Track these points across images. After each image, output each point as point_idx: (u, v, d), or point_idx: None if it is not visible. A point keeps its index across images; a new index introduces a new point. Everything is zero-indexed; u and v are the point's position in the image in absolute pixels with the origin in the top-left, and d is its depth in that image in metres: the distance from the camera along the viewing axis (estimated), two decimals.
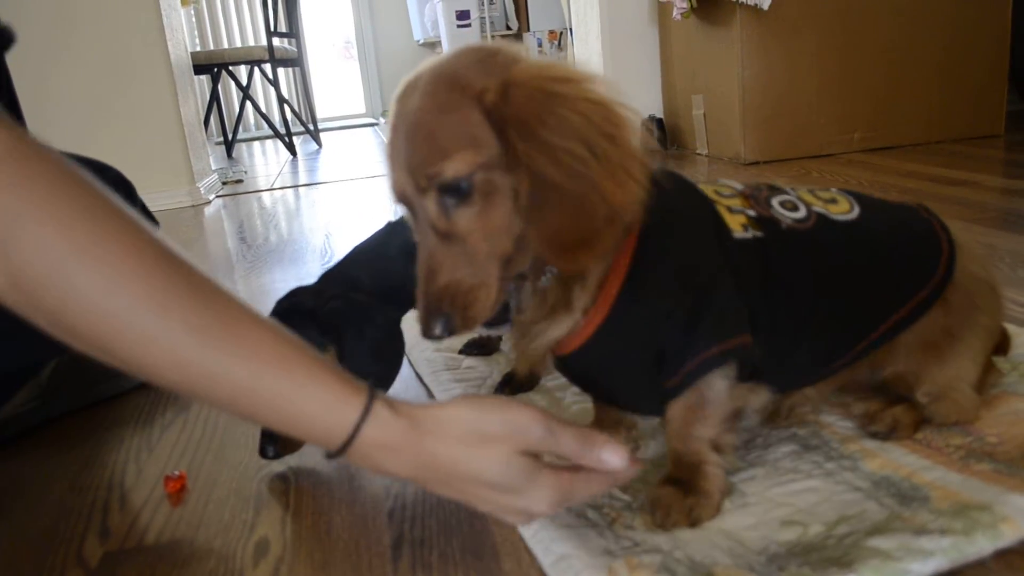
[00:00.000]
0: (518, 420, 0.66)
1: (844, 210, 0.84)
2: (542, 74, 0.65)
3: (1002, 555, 0.67)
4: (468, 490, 0.67)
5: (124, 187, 1.15)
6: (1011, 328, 1.03)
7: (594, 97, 0.65)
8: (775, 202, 0.82)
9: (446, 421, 0.65)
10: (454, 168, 0.64)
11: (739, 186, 0.84)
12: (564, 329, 0.75)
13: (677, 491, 0.76)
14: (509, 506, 0.67)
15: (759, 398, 0.79)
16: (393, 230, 1.04)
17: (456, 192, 0.65)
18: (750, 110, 2.76)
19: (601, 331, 0.74)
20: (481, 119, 0.65)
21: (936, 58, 2.82)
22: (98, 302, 0.57)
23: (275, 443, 0.93)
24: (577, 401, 1.03)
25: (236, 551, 0.81)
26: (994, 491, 0.73)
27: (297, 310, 0.95)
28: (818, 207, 0.83)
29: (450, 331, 0.67)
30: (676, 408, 0.76)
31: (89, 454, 1.06)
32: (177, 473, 0.95)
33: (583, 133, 0.63)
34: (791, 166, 2.71)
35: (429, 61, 0.70)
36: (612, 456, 0.68)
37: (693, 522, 0.74)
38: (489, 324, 1.01)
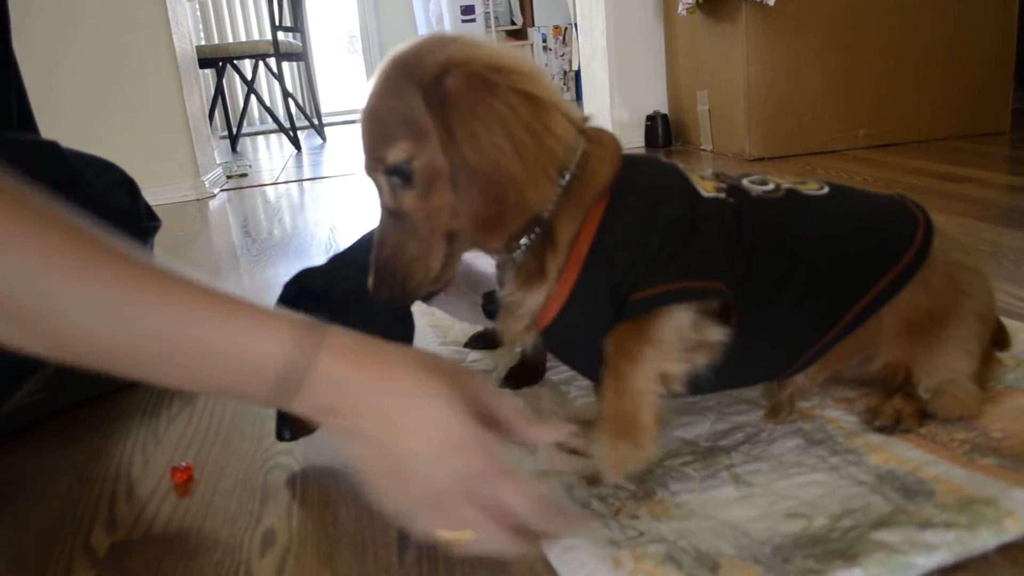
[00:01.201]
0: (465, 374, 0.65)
1: (814, 188, 0.87)
2: (480, 60, 0.69)
3: (1006, 549, 0.67)
4: (409, 443, 0.60)
5: (128, 186, 1.16)
6: (1015, 325, 1.04)
7: (525, 90, 0.69)
8: (745, 181, 0.85)
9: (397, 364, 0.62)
10: (394, 155, 0.71)
11: (710, 171, 0.86)
12: (541, 297, 0.77)
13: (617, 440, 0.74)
14: (444, 471, 0.60)
15: (718, 334, 0.75)
16: None
17: (400, 175, 0.71)
18: (755, 106, 2.75)
19: (575, 292, 0.76)
20: (421, 103, 0.69)
21: (941, 55, 2.81)
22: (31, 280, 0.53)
23: (290, 426, 0.93)
24: (582, 395, 1.03)
25: (243, 542, 0.81)
26: (999, 486, 0.73)
27: (307, 292, 0.96)
28: (787, 184, 0.86)
29: (393, 299, 0.75)
30: (627, 326, 0.74)
31: (96, 445, 1.06)
32: (184, 464, 0.95)
33: (507, 125, 0.67)
34: (795, 162, 2.71)
35: (398, 46, 0.74)
36: (546, 430, 0.70)
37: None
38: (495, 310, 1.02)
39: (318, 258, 2.02)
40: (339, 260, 1.02)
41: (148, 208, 1.21)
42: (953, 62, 2.82)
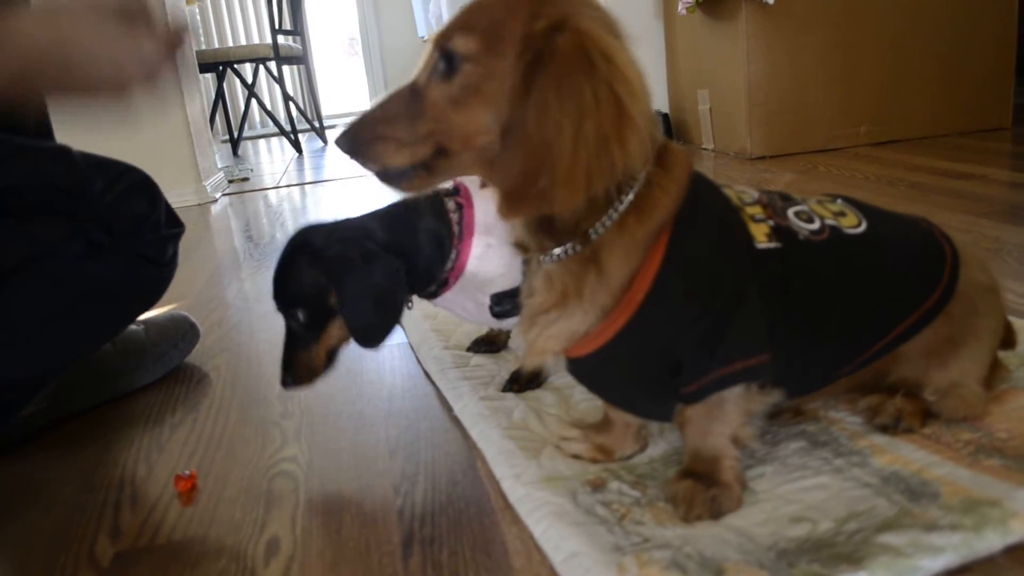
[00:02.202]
0: None
1: (853, 223, 0.84)
2: (597, 39, 0.64)
3: (1012, 551, 0.67)
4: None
5: (148, 189, 1.14)
6: (1018, 323, 1.03)
7: (619, 92, 0.63)
8: (791, 213, 0.82)
9: None
10: (459, 44, 0.66)
11: (756, 193, 0.84)
12: (576, 324, 0.74)
13: (697, 484, 0.76)
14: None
15: (773, 399, 0.79)
16: (419, 211, 1.03)
17: (446, 62, 0.67)
18: (756, 105, 2.75)
19: (622, 334, 0.73)
20: (519, 36, 0.65)
21: (942, 51, 2.80)
22: None
23: (292, 373, 0.95)
24: (586, 399, 1.03)
25: (247, 550, 0.81)
26: (1004, 487, 0.73)
27: (306, 247, 0.97)
28: (830, 220, 0.83)
29: (349, 151, 0.70)
30: (694, 408, 0.76)
31: (100, 454, 1.06)
32: (188, 472, 0.95)
33: (582, 114, 0.62)
34: (797, 160, 2.70)
35: None
36: None
37: (715, 513, 0.75)
38: (504, 311, 1.01)
39: None
40: (344, 223, 1.02)
41: (170, 213, 1.20)
42: (954, 58, 2.81)
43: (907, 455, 0.82)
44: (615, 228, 0.71)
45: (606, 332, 0.74)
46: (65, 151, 1.02)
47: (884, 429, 0.86)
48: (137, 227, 1.10)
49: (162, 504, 0.92)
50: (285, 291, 0.98)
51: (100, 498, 0.95)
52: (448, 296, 1.04)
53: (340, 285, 0.94)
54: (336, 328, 0.98)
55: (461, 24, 0.67)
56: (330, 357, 1.01)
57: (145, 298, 1.15)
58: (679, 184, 0.73)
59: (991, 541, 0.67)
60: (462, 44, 0.66)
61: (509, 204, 0.67)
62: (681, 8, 2.90)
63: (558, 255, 0.73)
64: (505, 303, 1.01)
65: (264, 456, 1.00)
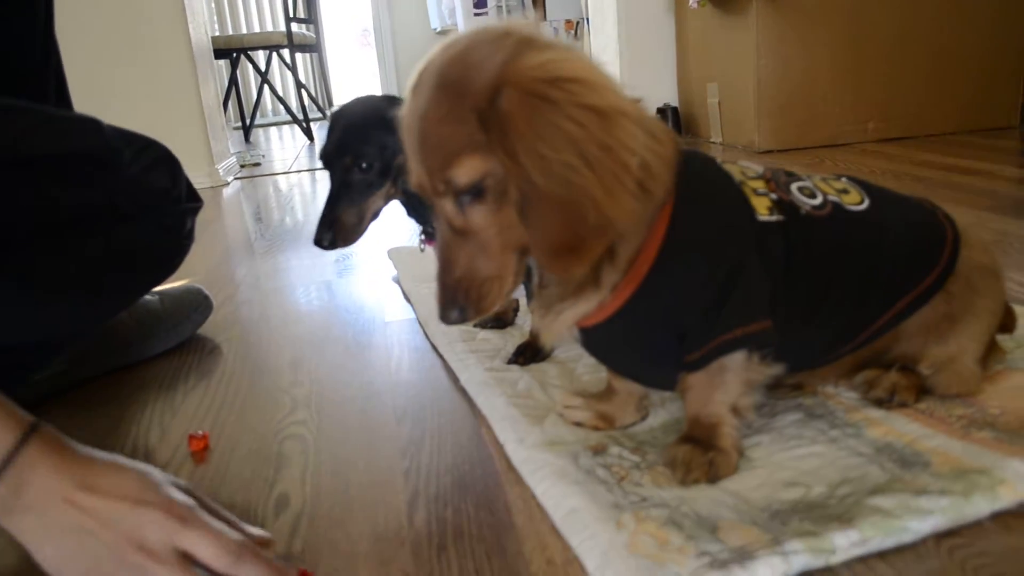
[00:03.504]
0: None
1: (856, 200, 0.86)
2: (534, 75, 0.63)
3: (999, 517, 0.69)
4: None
5: (169, 163, 1.17)
6: (1018, 309, 1.05)
7: (590, 103, 0.64)
8: (794, 188, 0.84)
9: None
10: (465, 176, 0.66)
11: (760, 168, 0.86)
12: (592, 305, 0.76)
13: (695, 448, 0.78)
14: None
15: (773, 371, 0.80)
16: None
17: (469, 193, 0.67)
18: (765, 99, 2.77)
19: (627, 306, 0.75)
20: (479, 128, 0.65)
21: (952, 49, 2.81)
22: None
23: (332, 231, 1.02)
24: (589, 371, 1.05)
25: (258, 505, 0.84)
26: (994, 457, 0.75)
27: (377, 110, 1.05)
28: (833, 196, 0.85)
29: (464, 320, 0.71)
30: (696, 376, 0.79)
31: (114, 416, 1.09)
32: (201, 432, 0.98)
33: (576, 143, 0.63)
34: (805, 155, 2.72)
35: (438, 50, 0.70)
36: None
37: (713, 477, 0.77)
38: None
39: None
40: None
41: (190, 188, 1.22)
42: (963, 56, 2.83)
43: (900, 428, 0.84)
44: None
45: (614, 303, 0.76)
46: (96, 123, 1.04)
47: (879, 403, 0.88)
48: (160, 199, 1.12)
49: (175, 462, 0.95)
50: (358, 139, 1.02)
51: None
52: None
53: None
54: (388, 189, 1.05)
55: (444, 160, 0.66)
56: (371, 220, 1.07)
57: (163, 269, 1.18)
58: (672, 156, 0.74)
59: (979, 507, 0.69)
60: (467, 173, 0.66)
61: (571, 257, 0.67)
62: (692, 2, 2.92)
63: None
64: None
65: (274, 420, 1.03)
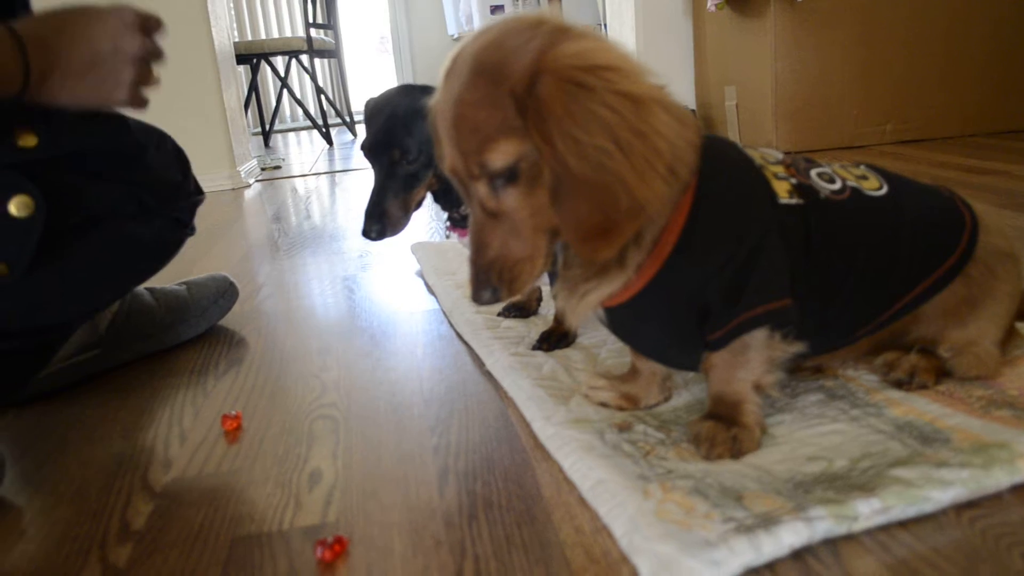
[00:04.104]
0: None
1: (874, 186, 0.88)
2: (571, 63, 0.66)
3: (1018, 489, 0.71)
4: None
5: (180, 157, 1.20)
6: None
7: (625, 90, 0.66)
8: (813, 173, 0.86)
9: None
10: (501, 158, 0.69)
11: (780, 154, 0.88)
12: (616, 286, 0.78)
13: (719, 424, 0.80)
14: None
15: (795, 349, 0.82)
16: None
17: (503, 176, 0.70)
18: (783, 101, 2.78)
19: (651, 285, 0.77)
20: (515, 112, 0.67)
21: (968, 52, 2.82)
22: None
23: (379, 222, 1.06)
24: (612, 356, 1.07)
25: (292, 479, 0.86)
26: (1013, 432, 0.77)
27: (421, 102, 1.06)
28: (852, 182, 0.87)
29: (496, 300, 0.74)
30: (719, 355, 0.80)
31: (147, 399, 1.12)
32: (234, 413, 1.01)
33: (610, 128, 0.65)
34: (823, 157, 2.70)
35: (472, 37, 0.73)
36: None
37: (736, 452, 0.79)
38: None
39: (346, 243, 2.08)
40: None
41: (195, 181, 1.26)
42: (979, 59, 2.83)
43: (921, 407, 0.85)
44: None
45: (639, 283, 0.78)
46: (122, 119, 1.08)
47: (899, 384, 0.90)
48: (174, 192, 1.16)
49: (209, 441, 0.97)
50: (401, 131, 1.06)
51: (150, 435, 1.00)
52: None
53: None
54: (428, 182, 1.09)
55: (480, 144, 0.69)
56: (415, 209, 1.11)
57: (166, 258, 1.22)
58: (696, 139, 0.75)
59: (999, 479, 0.70)
60: (503, 156, 0.68)
61: (603, 240, 0.69)
62: (710, 5, 2.94)
63: None
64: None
65: (305, 403, 1.06)
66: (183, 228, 1.21)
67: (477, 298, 0.74)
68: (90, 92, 0.95)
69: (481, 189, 0.71)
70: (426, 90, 1.08)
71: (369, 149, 1.11)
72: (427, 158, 1.09)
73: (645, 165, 0.66)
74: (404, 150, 1.07)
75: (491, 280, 0.73)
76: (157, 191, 1.13)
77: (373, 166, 1.13)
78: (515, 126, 0.68)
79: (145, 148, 1.11)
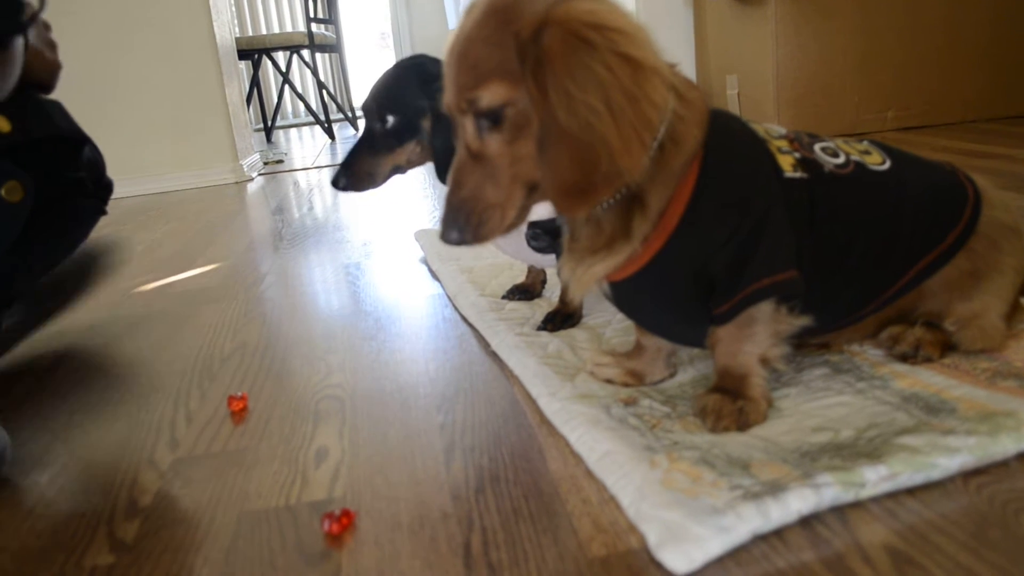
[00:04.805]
0: None
1: (878, 161, 0.88)
2: (581, 18, 0.66)
3: None
4: None
5: (94, 145, 1.24)
6: None
7: (626, 52, 0.66)
8: (817, 148, 0.86)
9: None
10: (489, 97, 0.69)
11: (783, 129, 0.87)
12: (622, 258, 0.78)
13: (725, 397, 0.80)
14: None
15: (801, 323, 0.82)
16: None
17: (490, 117, 0.70)
18: (784, 89, 2.78)
19: (658, 257, 0.77)
20: (515, 56, 0.68)
21: (971, 37, 2.82)
22: None
23: (349, 174, 1.09)
24: (617, 335, 1.07)
25: (298, 456, 0.86)
26: (1019, 401, 0.77)
27: (422, 69, 1.10)
28: (855, 156, 0.87)
29: (462, 241, 0.73)
30: (725, 328, 0.80)
31: (153, 382, 1.12)
32: (240, 394, 1.01)
33: (604, 88, 0.65)
34: None
35: None
36: None
37: (742, 425, 0.79)
38: (540, 247, 1.07)
39: (347, 234, 2.08)
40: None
41: (109, 186, 1.31)
42: (983, 44, 2.82)
43: (926, 379, 0.85)
44: (653, 164, 0.74)
45: (644, 255, 0.78)
46: (62, 106, 1.16)
47: (904, 358, 0.90)
48: (102, 176, 1.24)
49: (215, 421, 0.97)
50: (384, 96, 1.08)
51: (156, 417, 1.00)
52: None
53: (437, 115, 1.05)
54: (412, 148, 1.10)
55: (474, 80, 0.70)
56: (390, 173, 1.13)
57: (89, 232, 1.28)
58: (701, 113, 0.77)
59: (1005, 446, 0.70)
60: (491, 96, 0.69)
61: (578, 198, 0.70)
62: None
63: (607, 202, 0.76)
64: (542, 239, 1.05)
65: (311, 384, 1.06)
66: (103, 208, 1.28)
67: (444, 236, 0.74)
68: None
69: (468, 127, 0.72)
70: (434, 62, 1.09)
71: (362, 109, 1.15)
72: (405, 125, 1.10)
73: (631, 132, 0.67)
74: (381, 112, 1.10)
75: (459, 220, 0.73)
76: (93, 174, 1.20)
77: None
78: (511, 69, 0.68)
79: (85, 134, 1.17)
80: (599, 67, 0.65)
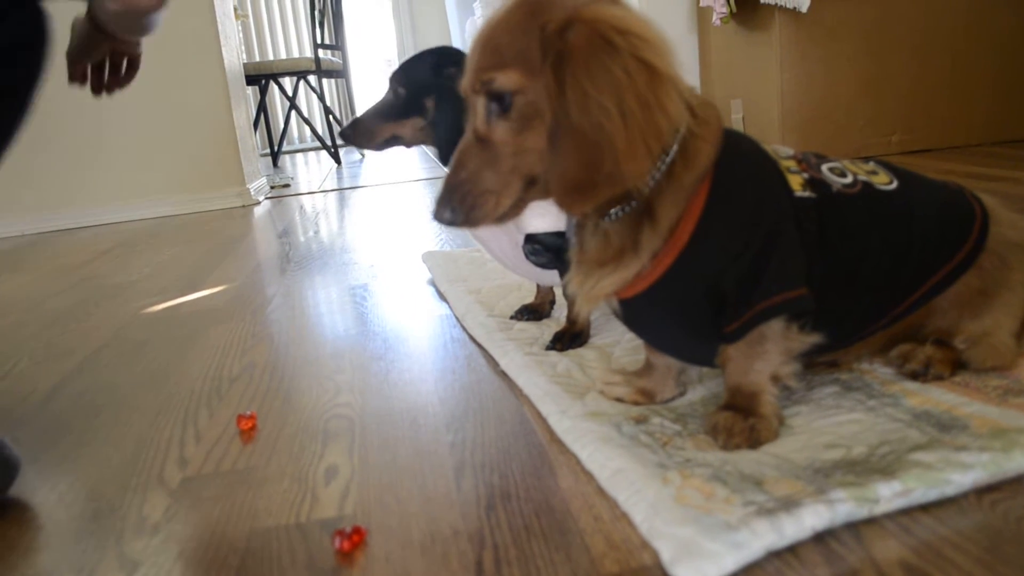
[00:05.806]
0: None
1: (885, 181, 0.88)
2: (608, 20, 0.68)
3: None
4: None
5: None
6: None
7: (645, 58, 0.68)
8: (824, 168, 0.86)
9: None
10: (503, 80, 0.70)
11: (790, 150, 0.88)
12: (631, 273, 0.78)
13: (736, 415, 0.80)
14: None
15: (812, 340, 0.82)
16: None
17: (500, 102, 0.71)
18: (789, 113, 2.79)
19: (669, 273, 0.77)
20: (538, 47, 0.69)
21: (972, 62, 2.83)
22: None
23: (353, 129, 1.17)
24: (626, 354, 1.07)
25: (308, 474, 0.86)
26: None
27: (443, 54, 1.17)
28: (862, 176, 0.87)
29: (453, 222, 0.74)
30: (736, 347, 0.80)
31: (161, 402, 1.12)
32: (249, 412, 1.01)
33: (619, 90, 0.67)
34: None
35: None
36: None
37: (754, 442, 0.78)
38: (540, 262, 1.08)
39: (355, 256, 2.09)
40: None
41: None
42: (989, 68, 2.84)
43: (937, 397, 0.85)
44: (665, 178, 0.75)
45: (655, 272, 0.78)
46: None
47: (914, 376, 0.90)
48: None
49: (224, 440, 0.97)
50: (401, 69, 1.17)
51: (165, 436, 1.00)
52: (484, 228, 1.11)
53: (442, 98, 1.12)
54: (414, 123, 1.16)
55: (492, 63, 0.71)
56: (388, 140, 1.19)
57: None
58: (715, 131, 0.78)
59: (1019, 462, 0.70)
60: (505, 81, 0.70)
61: (578, 196, 0.71)
62: (715, 19, 2.96)
63: (615, 214, 0.77)
64: (542, 255, 1.06)
65: (320, 403, 1.06)
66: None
67: (436, 214, 0.75)
68: None
69: (479, 109, 0.73)
70: (458, 52, 1.15)
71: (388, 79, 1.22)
72: (410, 98, 1.16)
73: (638, 136, 0.68)
74: (396, 85, 1.17)
75: (453, 201, 0.74)
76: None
77: None
78: (531, 60, 0.69)
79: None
80: (618, 69, 0.66)
